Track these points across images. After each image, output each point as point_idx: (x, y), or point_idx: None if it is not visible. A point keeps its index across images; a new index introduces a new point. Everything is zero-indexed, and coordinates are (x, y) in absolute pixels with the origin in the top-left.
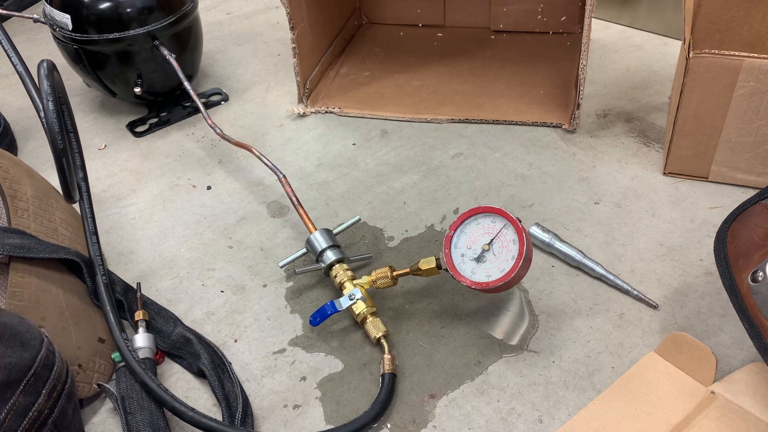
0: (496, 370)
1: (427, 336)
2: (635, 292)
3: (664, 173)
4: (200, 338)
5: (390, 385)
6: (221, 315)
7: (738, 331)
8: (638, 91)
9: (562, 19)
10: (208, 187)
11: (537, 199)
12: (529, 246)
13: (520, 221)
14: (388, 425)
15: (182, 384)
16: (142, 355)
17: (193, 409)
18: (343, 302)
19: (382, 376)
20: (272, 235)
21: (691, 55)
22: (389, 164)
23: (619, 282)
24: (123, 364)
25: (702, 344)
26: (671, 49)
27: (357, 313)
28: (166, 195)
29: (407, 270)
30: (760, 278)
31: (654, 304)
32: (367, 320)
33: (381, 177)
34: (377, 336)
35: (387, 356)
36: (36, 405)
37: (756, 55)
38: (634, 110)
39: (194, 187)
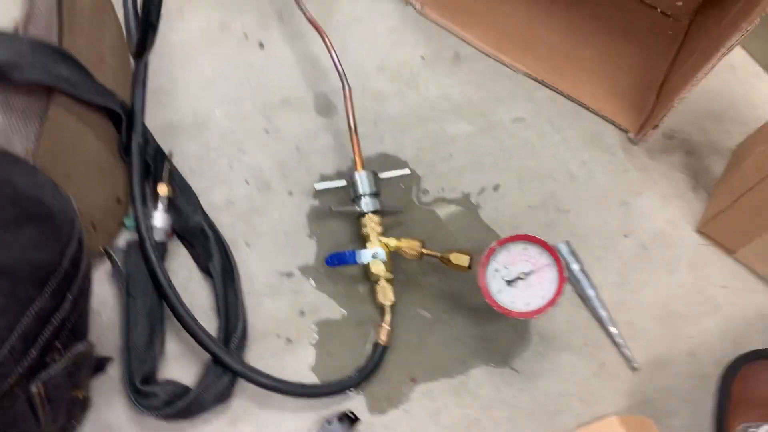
0: (476, 376)
1: (427, 316)
2: (624, 349)
3: (697, 230)
4: (217, 236)
5: (379, 358)
6: (240, 209)
7: (691, 420)
8: (710, 122)
9: (678, 3)
10: (261, 45)
11: (575, 207)
12: (561, 293)
13: (567, 267)
14: (363, 393)
15: (184, 272)
16: (156, 237)
17: (196, 320)
18: (364, 257)
19: (375, 344)
20: (312, 136)
21: None
22: (450, 100)
23: (615, 333)
24: (134, 239)
25: (653, 427)
26: (764, 85)
27: (373, 272)
28: (214, 35)
29: (437, 254)
30: None
31: (635, 366)
32: (380, 283)
33: (438, 113)
34: (384, 303)
35: (386, 327)
36: (59, 310)
37: None
38: (698, 143)
39: (246, 38)
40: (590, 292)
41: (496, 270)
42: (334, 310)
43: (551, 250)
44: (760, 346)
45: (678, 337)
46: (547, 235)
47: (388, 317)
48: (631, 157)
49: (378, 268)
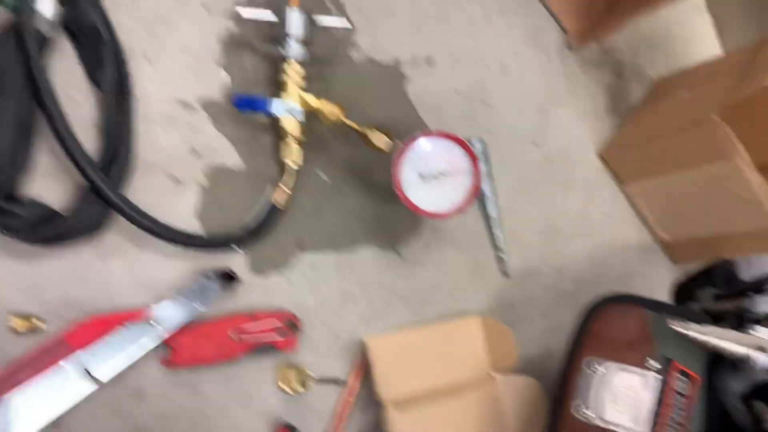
0: (363, 255)
1: (329, 183)
2: (502, 254)
3: (599, 153)
4: (114, 41)
5: (271, 219)
6: (145, 12)
7: (542, 330)
8: (644, 47)
9: None
10: None
11: (499, 103)
12: (471, 203)
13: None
14: (246, 251)
15: (67, 76)
16: (40, 26)
17: (73, 136)
18: (278, 109)
19: (270, 205)
20: None
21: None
22: None
23: (498, 237)
24: (11, 21)
25: (513, 344)
26: (700, 21)
27: (284, 128)
28: None
29: (357, 127)
30: (594, 370)
31: (507, 272)
32: (289, 142)
33: None
34: (288, 164)
35: (284, 188)
36: None
37: None
38: (627, 66)
39: None
40: (488, 194)
41: (413, 161)
42: (231, 157)
43: (475, 159)
44: (618, 276)
45: (552, 252)
46: (466, 127)
47: (289, 179)
48: (564, 62)
49: (291, 126)
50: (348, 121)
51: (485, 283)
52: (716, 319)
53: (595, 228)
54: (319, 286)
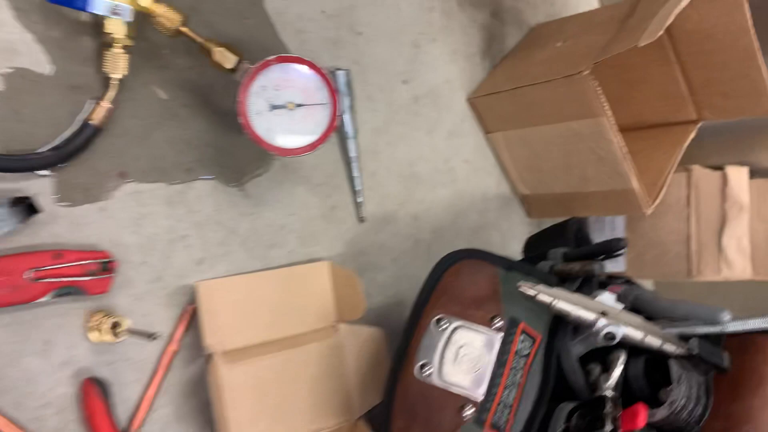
0: (199, 189)
1: (162, 105)
2: (359, 197)
3: (468, 99)
4: None
5: (86, 139)
6: None
7: (393, 279)
8: None
9: None
10: None
11: (369, 32)
12: (323, 142)
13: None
14: (54, 175)
15: None
16: None
17: None
18: (101, 6)
19: (85, 122)
20: None
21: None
22: None
23: (358, 179)
24: None
25: (361, 294)
26: None
27: (108, 31)
28: None
29: (200, 40)
30: (441, 327)
31: (362, 217)
32: (113, 48)
33: None
34: (111, 74)
35: (105, 104)
36: None
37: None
38: (506, 7)
39: None
40: (349, 131)
41: (263, 88)
42: (39, 61)
43: (334, 93)
44: (475, 226)
45: (411, 198)
46: (331, 55)
47: (111, 93)
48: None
49: (116, 29)
50: (189, 32)
51: (338, 227)
52: (563, 279)
53: (457, 176)
54: (143, 222)
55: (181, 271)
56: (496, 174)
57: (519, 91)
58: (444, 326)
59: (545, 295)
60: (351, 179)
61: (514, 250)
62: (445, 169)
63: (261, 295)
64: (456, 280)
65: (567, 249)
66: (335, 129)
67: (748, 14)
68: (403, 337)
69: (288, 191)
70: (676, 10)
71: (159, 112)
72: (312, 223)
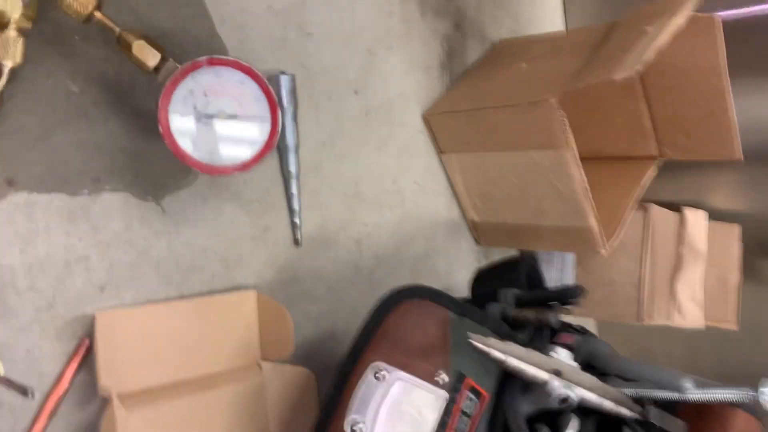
0: (107, 202)
1: (69, 100)
2: (296, 218)
3: (423, 115)
4: None
5: None
6: None
7: (328, 311)
8: (494, 7)
9: None
10: None
11: (320, 33)
12: (257, 162)
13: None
14: None
15: None
16: None
17: None
18: None
19: None
20: None
21: None
22: None
23: (296, 197)
24: None
25: (291, 330)
26: None
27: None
28: None
29: (116, 30)
30: (379, 376)
31: (298, 239)
32: (8, 31)
33: None
34: (2, 61)
35: None
36: None
37: None
38: (469, 19)
39: None
40: (290, 143)
41: (191, 92)
42: None
43: (274, 105)
44: (421, 253)
45: (354, 220)
46: (275, 57)
47: (1, 83)
48: (404, 2)
49: (10, 7)
50: (103, 18)
51: (270, 251)
52: (515, 326)
53: (405, 198)
54: (34, 240)
55: (78, 299)
56: (446, 197)
57: (479, 113)
58: (382, 376)
59: (497, 352)
60: (288, 197)
61: (460, 279)
62: (393, 190)
63: (173, 328)
64: (401, 323)
65: (519, 291)
66: (272, 147)
67: (724, 53)
68: (334, 382)
69: (213, 208)
70: (658, 45)
71: (63, 109)
72: (240, 245)
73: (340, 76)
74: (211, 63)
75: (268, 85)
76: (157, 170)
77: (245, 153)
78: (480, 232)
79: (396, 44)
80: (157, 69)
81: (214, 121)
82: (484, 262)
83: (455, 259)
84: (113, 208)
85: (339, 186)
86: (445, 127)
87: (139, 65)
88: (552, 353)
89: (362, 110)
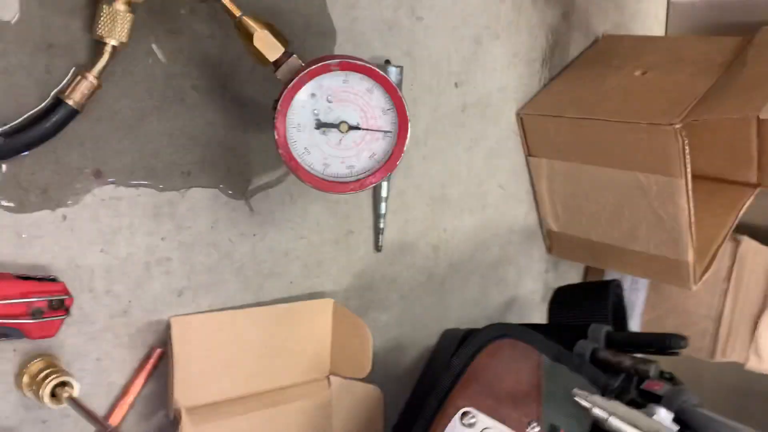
0: (195, 199)
1: (166, 83)
2: (382, 223)
3: (517, 113)
4: None
5: (58, 122)
6: None
7: (397, 320)
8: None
9: None
10: None
11: (430, 18)
12: (376, 182)
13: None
14: (4, 166)
15: None
16: None
17: None
18: None
19: (58, 100)
20: None
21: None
22: None
23: (384, 200)
24: None
25: (369, 348)
26: None
27: None
28: None
29: (236, 12)
30: (467, 423)
31: (380, 245)
32: (115, 3)
33: None
34: (105, 39)
35: (91, 77)
36: None
37: None
38: (578, 8)
39: None
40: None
41: (313, 97)
42: (5, 6)
43: (405, 120)
44: (494, 261)
45: (435, 225)
46: (383, 40)
47: (101, 63)
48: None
49: None
50: (229, 2)
51: (350, 256)
52: (604, 368)
53: (487, 202)
54: (117, 239)
55: (155, 304)
56: (527, 203)
57: (585, 122)
58: (470, 423)
59: (600, 410)
60: (376, 199)
61: (528, 290)
62: (477, 193)
63: (246, 336)
64: (492, 365)
65: (609, 328)
66: (394, 168)
67: None
68: (417, 424)
69: (301, 208)
70: None
71: (161, 94)
72: (321, 250)
73: (443, 67)
74: (343, 67)
75: (402, 97)
76: (251, 166)
77: (363, 169)
78: (554, 242)
79: (503, 33)
80: (277, 63)
81: (334, 131)
82: (552, 273)
83: (525, 269)
84: (201, 206)
85: (426, 188)
86: (541, 129)
87: (257, 56)
88: (654, 416)
89: (460, 105)
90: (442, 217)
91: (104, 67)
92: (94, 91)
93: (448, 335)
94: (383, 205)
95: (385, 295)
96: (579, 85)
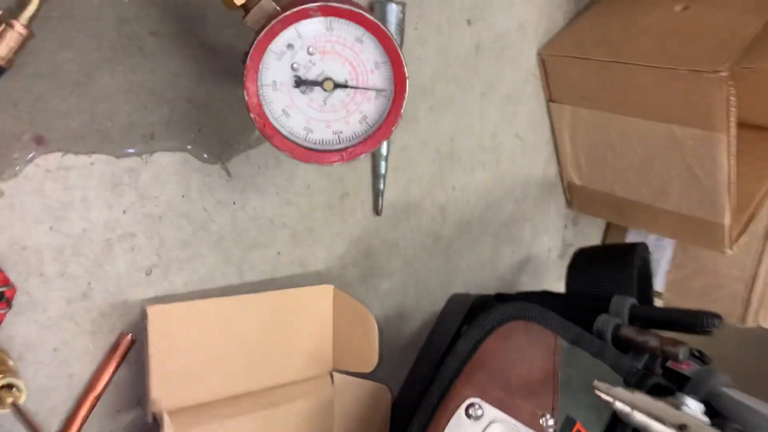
0: (161, 164)
1: (119, 30)
2: (381, 184)
3: (538, 52)
4: None
5: None
6: None
7: (399, 289)
8: None
9: None
10: None
11: None
12: (374, 147)
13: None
14: None
15: None
16: None
17: None
18: None
19: None
20: None
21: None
22: None
23: (384, 158)
24: None
25: (375, 340)
26: None
27: None
28: None
29: None
30: (473, 416)
31: (380, 209)
32: None
33: None
34: None
35: (18, 26)
36: None
37: None
38: None
39: None
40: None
41: (291, 48)
42: None
43: (402, 77)
44: (507, 219)
45: (442, 183)
46: None
47: (32, 8)
48: None
49: None
50: None
51: (346, 220)
52: (626, 347)
53: (501, 155)
54: (68, 214)
55: (119, 286)
56: (546, 153)
57: (616, 66)
58: (477, 415)
59: (623, 404)
60: (374, 157)
61: (543, 247)
62: (490, 146)
63: (237, 328)
64: (502, 351)
65: (634, 301)
66: (389, 134)
67: None
68: (417, 417)
69: (288, 171)
70: None
71: (111, 42)
72: (312, 216)
73: (454, 1)
74: (326, 12)
75: (399, 47)
76: (227, 125)
77: (353, 135)
78: (575, 196)
79: None
80: (246, 6)
81: (317, 90)
82: (570, 229)
83: (542, 225)
84: (169, 173)
85: (432, 142)
86: (565, 72)
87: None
88: (684, 407)
89: (473, 46)
90: (451, 174)
91: (36, 12)
92: (24, 42)
93: (455, 300)
94: (383, 164)
95: (386, 261)
96: (609, 22)
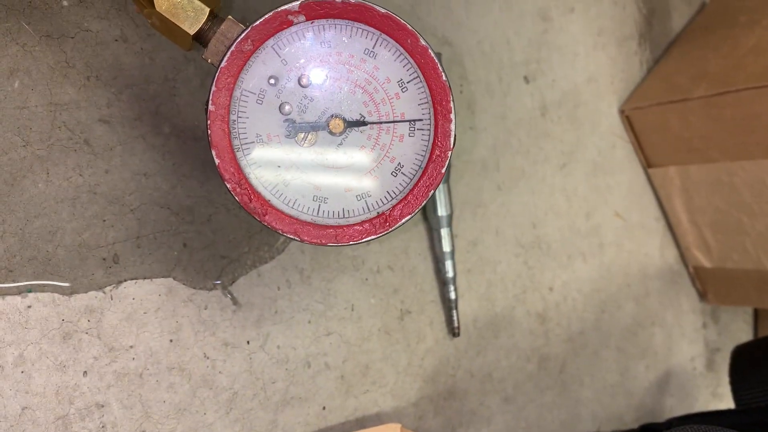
0: (136, 297)
1: (56, 120)
2: (452, 292)
3: (620, 109)
4: None
5: None
6: None
7: (502, 429)
8: None
9: None
10: None
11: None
12: (411, 214)
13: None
14: None
15: None
16: None
17: None
18: None
19: None
20: None
21: None
22: None
23: (449, 257)
24: None
25: None
26: None
27: None
28: None
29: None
30: None
31: (456, 328)
32: None
33: None
34: None
35: None
36: None
37: None
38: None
39: None
40: (447, 248)
41: (273, 81)
42: None
43: (448, 92)
44: (630, 323)
45: (534, 284)
46: (411, 17)
47: None
48: None
49: None
50: None
51: (414, 351)
52: None
53: (604, 240)
54: (5, 380)
55: None
56: (658, 233)
57: (726, 98)
58: None
59: None
60: (436, 259)
61: (683, 357)
62: (586, 229)
63: None
64: None
65: None
66: (438, 183)
67: None
68: None
69: (321, 288)
70: None
71: (44, 135)
72: (364, 348)
73: (502, 56)
74: (312, 13)
75: (434, 54)
76: (222, 233)
77: (385, 195)
78: (708, 283)
79: (578, 5)
80: (201, 38)
81: (323, 135)
82: (712, 328)
83: (675, 328)
84: (146, 309)
85: (509, 230)
86: (659, 125)
87: (172, 36)
88: None
89: (537, 107)
90: (543, 271)
91: None
92: None
93: None
94: (449, 263)
95: (478, 401)
96: (702, 56)
